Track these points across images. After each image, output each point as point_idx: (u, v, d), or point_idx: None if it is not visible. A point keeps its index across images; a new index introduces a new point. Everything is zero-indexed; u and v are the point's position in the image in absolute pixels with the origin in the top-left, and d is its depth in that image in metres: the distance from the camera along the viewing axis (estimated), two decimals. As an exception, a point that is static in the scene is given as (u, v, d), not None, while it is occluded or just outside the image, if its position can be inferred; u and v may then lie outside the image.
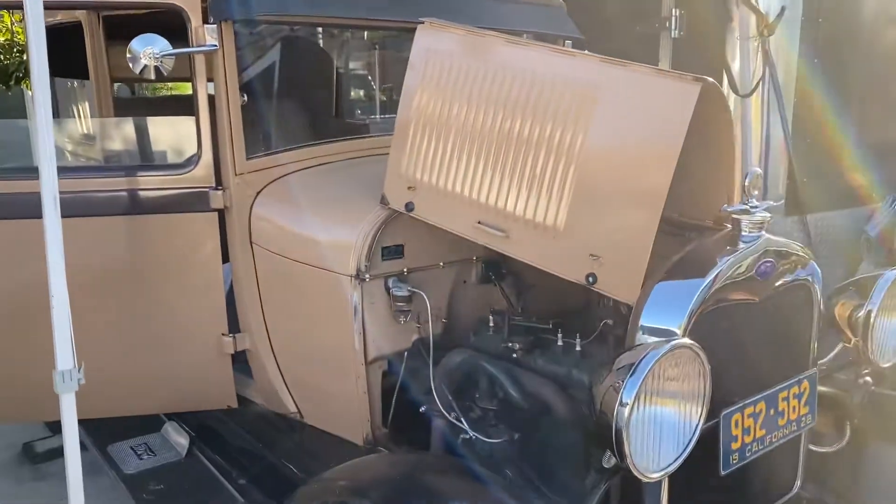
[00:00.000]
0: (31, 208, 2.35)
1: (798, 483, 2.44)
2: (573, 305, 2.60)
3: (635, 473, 1.75)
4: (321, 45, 4.32)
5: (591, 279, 2.06)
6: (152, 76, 2.55)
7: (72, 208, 2.45)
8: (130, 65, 2.54)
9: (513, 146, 2.22)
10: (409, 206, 2.49)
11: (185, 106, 2.98)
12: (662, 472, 1.82)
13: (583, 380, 2.34)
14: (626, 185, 2.01)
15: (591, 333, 2.38)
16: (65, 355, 2.20)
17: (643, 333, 1.97)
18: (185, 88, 4.31)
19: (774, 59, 4.20)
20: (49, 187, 2.18)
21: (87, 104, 4.17)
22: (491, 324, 2.68)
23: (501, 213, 2.26)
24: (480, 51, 2.36)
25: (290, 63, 3.46)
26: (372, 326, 2.61)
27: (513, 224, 2.24)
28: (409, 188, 2.50)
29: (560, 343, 2.46)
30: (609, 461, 1.89)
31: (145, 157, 3.46)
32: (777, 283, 2.17)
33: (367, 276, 2.55)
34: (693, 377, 1.83)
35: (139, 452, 3.38)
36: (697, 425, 1.86)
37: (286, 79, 3.45)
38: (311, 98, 3.74)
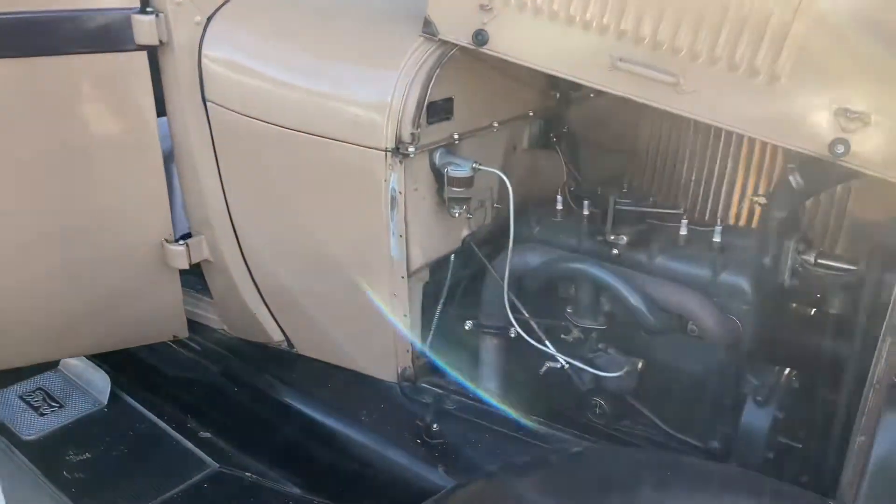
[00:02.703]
0: None
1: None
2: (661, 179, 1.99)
3: None
4: None
5: (839, 149, 1.36)
6: None
7: None
8: None
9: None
10: (481, 37, 1.67)
11: None
12: None
13: (739, 284, 1.75)
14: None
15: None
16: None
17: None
18: None
19: None
20: None
21: None
22: (559, 206, 2.02)
23: (666, 46, 1.47)
24: None
25: None
26: (416, 222, 1.82)
27: (689, 64, 1.47)
28: (481, 6, 1.62)
29: (685, 232, 1.80)
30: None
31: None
32: None
33: (412, 149, 1.68)
34: None
35: (36, 405, 2.39)
36: None
37: None
38: None
